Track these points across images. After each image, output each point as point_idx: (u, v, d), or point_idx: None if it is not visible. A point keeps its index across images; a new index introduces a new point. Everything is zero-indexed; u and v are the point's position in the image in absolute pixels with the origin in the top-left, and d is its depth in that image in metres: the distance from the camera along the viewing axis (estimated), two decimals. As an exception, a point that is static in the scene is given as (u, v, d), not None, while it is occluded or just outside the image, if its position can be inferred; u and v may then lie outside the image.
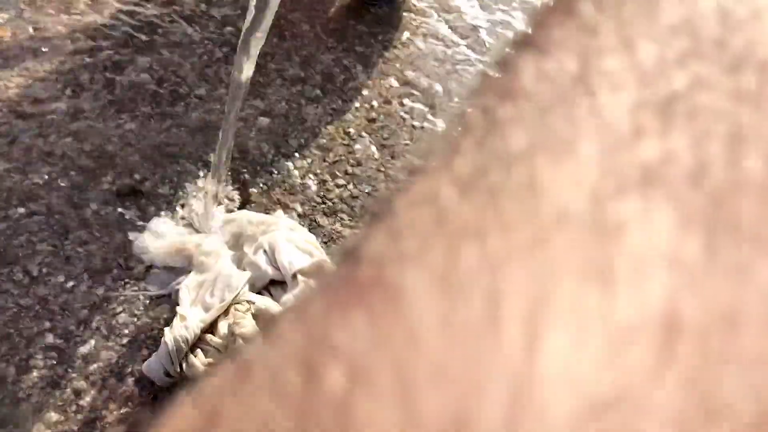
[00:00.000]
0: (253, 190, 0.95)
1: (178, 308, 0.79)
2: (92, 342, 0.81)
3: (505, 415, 0.10)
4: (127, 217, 0.91)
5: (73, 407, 0.77)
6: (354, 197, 0.96)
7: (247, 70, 0.71)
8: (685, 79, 0.13)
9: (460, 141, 0.13)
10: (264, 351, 0.12)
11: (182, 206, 0.93)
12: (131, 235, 0.88)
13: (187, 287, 0.80)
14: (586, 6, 0.14)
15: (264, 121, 1.02)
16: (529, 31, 0.15)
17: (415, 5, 1.20)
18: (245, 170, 0.97)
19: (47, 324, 0.82)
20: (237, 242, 0.85)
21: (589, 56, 0.13)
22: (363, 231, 0.13)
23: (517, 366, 0.10)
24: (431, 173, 0.13)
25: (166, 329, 0.77)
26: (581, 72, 0.13)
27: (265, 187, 0.96)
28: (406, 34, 1.15)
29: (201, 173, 0.96)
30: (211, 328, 0.78)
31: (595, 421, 0.10)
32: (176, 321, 0.77)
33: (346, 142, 1.01)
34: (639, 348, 0.10)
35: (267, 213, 0.92)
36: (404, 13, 1.18)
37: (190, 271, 0.83)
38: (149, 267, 0.85)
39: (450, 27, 1.17)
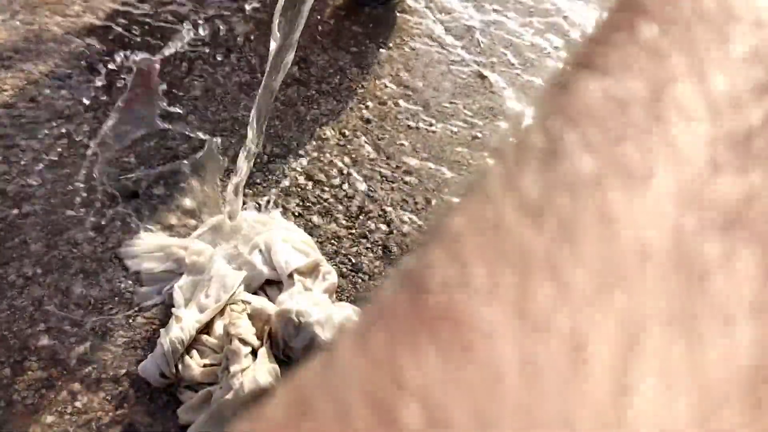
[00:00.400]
0: (249, 190, 0.95)
1: (173, 309, 0.79)
2: (87, 343, 0.81)
3: None
4: (122, 217, 0.90)
5: (69, 409, 0.76)
6: (349, 197, 0.96)
7: (293, 36, 0.67)
8: (761, 112, 0.12)
9: (523, 163, 0.12)
10: (325, 381, 0.11)
11: (177, 207, 0.93)
12: (124, 237, 0.88)
13: (180, 288, 0.80)
14: (650, 28, 0.14)
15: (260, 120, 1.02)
16: (586, 49, 0.14)
17: (409, 6, 1.20)
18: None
19: (42, 326, 0.82)
20: (232, 242, 0.85)
21: (659, 83, 0.13)
22: (423, 254, 0.12)
23: (606, 414, 0.10)
24: (494, 195, 0.12)
25: (162, 330, 0.77)
26: (652, 99, 0.13)
27: (260, 188, 0.96)
28: (400, 35, 1.15)
29: (195, 174, 0.96)
30: (207, 328, 0.78)
31: None
32: (172, 322, 0.77)
33: (341, 142, 1.02)
34: (729, 406, 0.10)
35: (262, 213, 0.92)
36: (399, 14, 1.18)
37: (180, 274, 0.83)
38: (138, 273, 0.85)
39: (444, 28, 1.18)
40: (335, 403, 0.11)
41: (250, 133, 0.77)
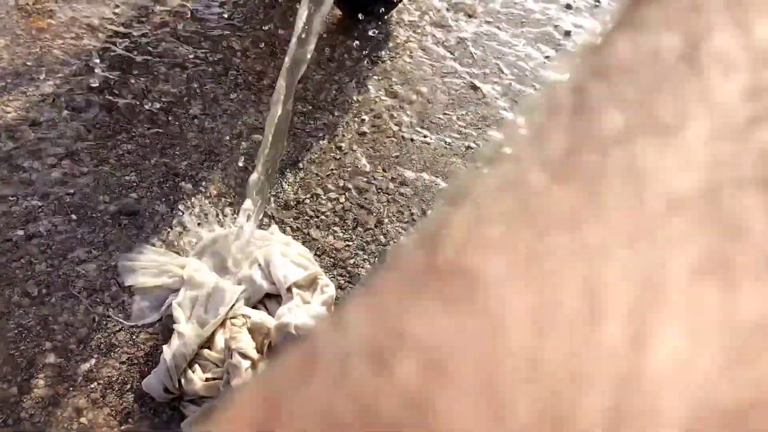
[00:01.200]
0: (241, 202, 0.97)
1: (174, 325, 0.80)
2: (92, 360, 0.82)
3: (608, 415, 0.09)
4: (124, 235, 0.92)
5: (74, 425, 0.78)
6: (346, 210, 0.98)
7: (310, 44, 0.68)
8: None
9: (548, 123, 0.12)
10: (332, 338, 0.11)
11: (178, 224, 0.94)
12: (120, 257, 0.90)
13: (180, 305, 0.82)
14: None
15: (257, 137, 1.04)
16: (626, 11, 0.13)
17: (403, 20, 1.22)
18: (238, 185, 0.99)
19: (48, 344, 0.84)
20: (231, 258, 0.87)
21: (695, 34, 0.12)
22: (442, 215, 0.12)
23: (621, 365, 0.09)
24: (519, 156, 0.12)
25: (165, 346, 0.79)
26: (687, 50, 0.12)
27: (258, 203, 0.97)
28: (394, 49, 1.17)
29: (196, 191, 0.98)
30: (208, 342, 0.79)
31: (720, 428, 0.08)
32: (174, 337, 0.79)
33: (337, 156, 1.03)
34: (764, 358, 0.09)
35: (261, 228, 0.93)
36: (393, 28, 1.20)
37: (174, 291, 0.85)
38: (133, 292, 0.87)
39: (437, 40, 1.20)
40: (337, 357, 0.11)
41: (259, 167, 0.78)
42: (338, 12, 1.20)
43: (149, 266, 0.87)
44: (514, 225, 0.11)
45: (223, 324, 0.80)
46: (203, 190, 0.98)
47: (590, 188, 0.11)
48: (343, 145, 1.05)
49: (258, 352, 0.77)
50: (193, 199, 0.97)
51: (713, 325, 0.09)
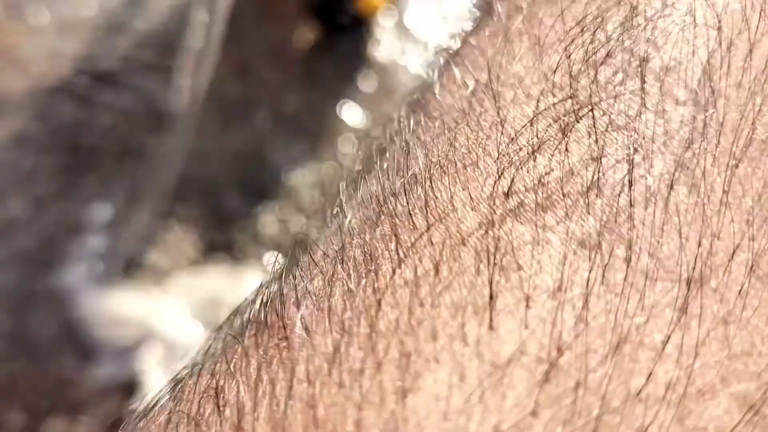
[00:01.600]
0: (218, 238, 0.92)
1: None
2: (64, 420, 0.78)
3: None
4: (89, 280, 0.88)
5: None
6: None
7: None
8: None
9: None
10: None
11: (150, 264, 0.90)
12: (92, 299, 0.85)
13: (155, 358, 0.77)
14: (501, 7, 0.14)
15: (232, 167, 1.01)
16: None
17: (379, 39, 1.18)
18: (209, 218, 0.95)
19: (17, 401, 0.79)
20: (205, 304, 0.83)
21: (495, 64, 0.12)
22: None
23: (388, 413, 0.09)
24: None
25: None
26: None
27: (231, 236, 0.93)
28: (374, 69, 1.14)
29: (169, 230, 0.94)
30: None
31: None
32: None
33: (318, 183, 1.00)
34: (515, 381, 0.09)
35: (234, 265, 0.89)
36: (371, 48, 1.17)
37: (145, 338, 0.80)
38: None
39: (415, 59, 1.16)
40: None
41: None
42: (313, 32, 1.17)
43: (116, 315, 0.83)
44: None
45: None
46: (178, 229, 0.94)
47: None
48: (323, 171, 1.01)
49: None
50: (163, 237, 0.93)
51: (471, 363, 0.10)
